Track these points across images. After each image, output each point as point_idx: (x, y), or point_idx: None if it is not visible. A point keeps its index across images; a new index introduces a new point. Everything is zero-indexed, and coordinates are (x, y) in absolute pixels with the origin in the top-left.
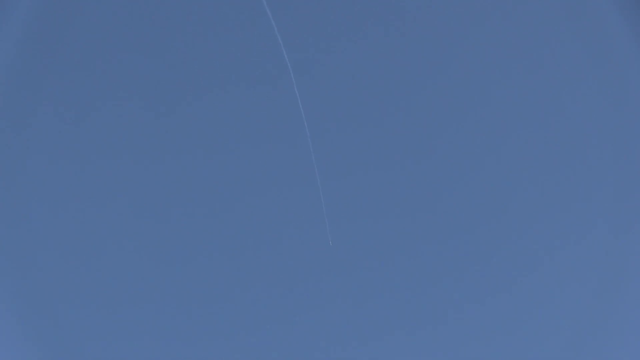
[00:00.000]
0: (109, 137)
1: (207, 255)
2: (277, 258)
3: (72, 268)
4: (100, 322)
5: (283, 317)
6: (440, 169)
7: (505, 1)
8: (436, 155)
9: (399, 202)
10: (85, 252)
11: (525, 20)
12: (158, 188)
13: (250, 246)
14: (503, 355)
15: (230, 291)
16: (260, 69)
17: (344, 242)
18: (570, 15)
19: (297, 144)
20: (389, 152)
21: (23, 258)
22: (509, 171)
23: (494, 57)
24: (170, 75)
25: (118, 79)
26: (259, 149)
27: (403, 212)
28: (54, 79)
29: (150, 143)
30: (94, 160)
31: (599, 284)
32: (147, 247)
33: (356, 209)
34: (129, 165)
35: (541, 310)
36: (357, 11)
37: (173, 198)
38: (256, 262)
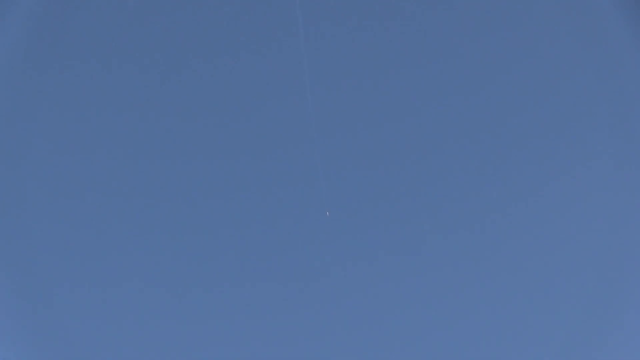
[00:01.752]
0: (109, 135)
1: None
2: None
3: (72, 268)
4: (101, 323)
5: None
6: (441, 164)
7: (507, 1)
8: (438, 146)
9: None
10: (85, 252)
11: (525, 20)
12: (156, 180)
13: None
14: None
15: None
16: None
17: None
18: (570, 15)
19: (303, 149)
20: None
21: (23, 258)
22: (507, 170)
23: (494, 57)
24: (169, 78)
25: (118, 77)
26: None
27: (401, 204)
28: (54, 78)
29: (149, 141)
30: (94, 159)
31: (598, 283)
32: (146, 236)
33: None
34: (129, 164)
35: (540, 309)
36: (361, 10)
37: (170, 191)
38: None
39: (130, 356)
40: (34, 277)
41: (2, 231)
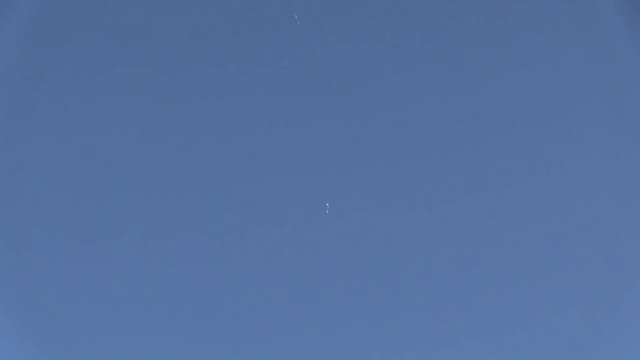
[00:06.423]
0: (109, 136)
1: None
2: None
3: (72, 269)
4: (101, 323)
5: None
6: (443, 165)
7: (507, 2)
8: (440, 146)
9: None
10: (85, 251)
11: (525, 21)
12: (155, 179)
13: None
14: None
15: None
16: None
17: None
18: (570, 16)
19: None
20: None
21: (23, 259)
22: (508, 171)
23: (494, 57)
24: (169, 74)
25: (117, 78)
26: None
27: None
28: (54, 78)
29: (148, 141)
30: (95, 159)
31: (597, 282)
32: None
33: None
34: (129, 166)
35: (540, 308)
36: (360, 12)
37: (169, 190)
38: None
39: (129, 353)
40: (34, 277)
41: (2, 232)
